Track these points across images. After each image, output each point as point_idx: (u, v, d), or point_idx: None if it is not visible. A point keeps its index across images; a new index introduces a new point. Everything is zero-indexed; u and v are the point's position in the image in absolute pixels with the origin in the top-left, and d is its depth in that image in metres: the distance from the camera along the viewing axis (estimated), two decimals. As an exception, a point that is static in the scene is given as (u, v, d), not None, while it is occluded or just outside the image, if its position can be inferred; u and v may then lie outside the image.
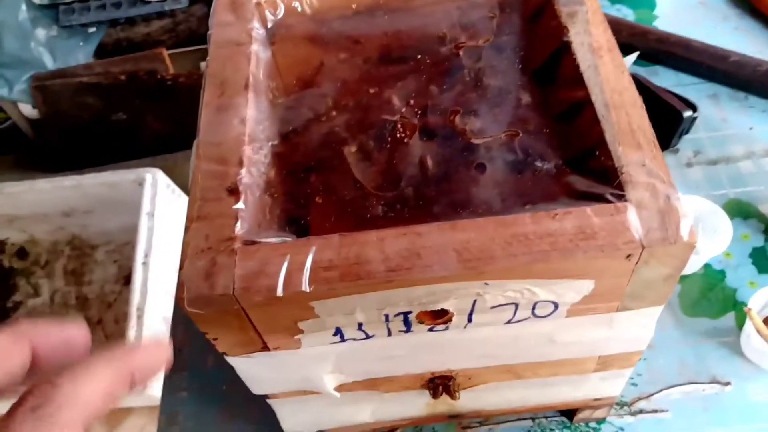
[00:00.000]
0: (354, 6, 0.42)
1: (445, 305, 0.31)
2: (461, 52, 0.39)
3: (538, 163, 0.33)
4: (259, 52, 0.39)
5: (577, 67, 0.34)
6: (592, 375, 0.40)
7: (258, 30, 0.40)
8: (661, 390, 0.49)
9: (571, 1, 0.37)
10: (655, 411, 0.49)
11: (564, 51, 0.36)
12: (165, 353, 0.26)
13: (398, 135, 0.36)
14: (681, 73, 0.69)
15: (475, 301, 0.31)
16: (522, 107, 0.36)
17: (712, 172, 0.61)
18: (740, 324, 0.52)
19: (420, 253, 0.29)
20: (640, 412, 0.49)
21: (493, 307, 0.31)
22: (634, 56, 0.68)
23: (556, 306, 0.32)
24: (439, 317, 0.32)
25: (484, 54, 0.39)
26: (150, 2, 1.62)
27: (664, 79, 0.68)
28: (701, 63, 0.67)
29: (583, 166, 0.32)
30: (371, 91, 0.39)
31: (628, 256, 0.28)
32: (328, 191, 0.36)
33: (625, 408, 0.49)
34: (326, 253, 0.29)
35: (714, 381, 0.50)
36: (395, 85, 0.39)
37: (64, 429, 0.20)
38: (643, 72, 0.69)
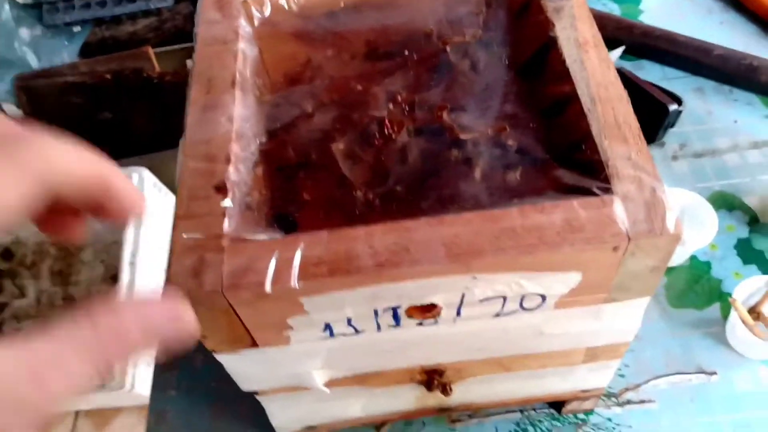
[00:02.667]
0: (341, 2, 0.42)
1: (434, 299, 0.31)
2: (448, 48, 0.39)
3: (526, 158, 0.33)
4: (245, 49, 0.39)
5: (564, 61, 0.35)
6: (581, 366, 0.41)
7: (245, 27, 0.40)
8: (648, 381, 0.50)
9: (557, -5, 0.38)
10: (642, 401, 0.49)
11: (550, 46, 0.36)
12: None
13: (386, 131, 0.36)
14: (666, 66, 0.69)
15: (463, 295, 0.31)
16: (509, 102, 0.36)
17: (698, 165, 0.62)
18: (725, 315, 0.52)
19: (409, 247, 0.29)
20: (628, 402, 0.50)
21: (481, 301, 0.32)
22: (619, 50, 0.68)
23: (544, 298, 0.32)
24: (428, 311, 0.32)
25: (470, 50, 0.39)
26: (135, 1, 1.61)
27: (650, 72, 0.69)
28: (686, 57, 0.67)
29: (569, 160, 0.32)
30: (359, 87, 0.39)
31: (615, 248, 0.29)
32: (316, 188, 0.36)
33: (613, 399, 0.50)
34: (315, 249, 0.29)
35: (700, 371, 0.50)
36: (383, 81, 0.39)
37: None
38: (629, 66, 0.69)
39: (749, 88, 0.66)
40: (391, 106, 0.37)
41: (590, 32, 0.36)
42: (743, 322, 0.47)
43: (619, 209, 0.29)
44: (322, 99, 0.39)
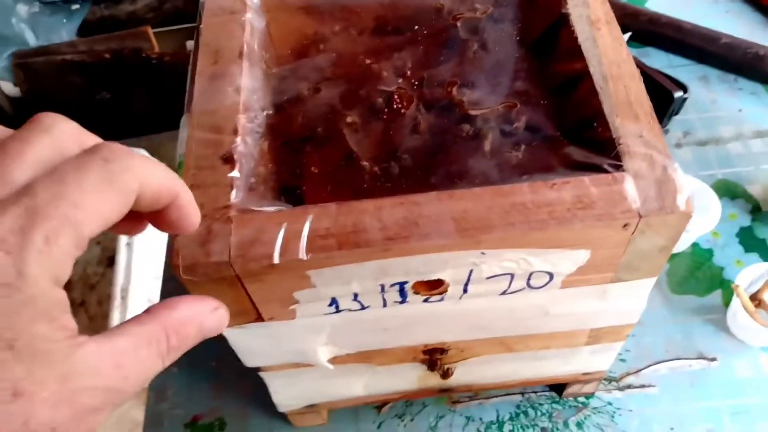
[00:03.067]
0: (350, -24, 0.42)
1: (441, 275, 0.31)
2: (459, 24, 0.39)
3: (536, 135, 0.33)
4: (253, 20, 0.39)
5: (576, 39, 0.34)
6: (583, 348, 0.41)
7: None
8: (649, 366, 0.50)
9: (569, -27, 0.37)
10: (642, 386, 0.50)
11: (562, 23, 0.35)
12: None
13: (395, 106, 0.36)
14: (672, 54, 0.69)
15: (471, 271, 0.31)
16: (520, 79, 0.35)
17: (701, 153, 0.61)
18: (726, 302, 0.52)
19: (418, 221, 0.29)
20: (629, 387, 0.50)
21: (488, 278, 0.31)
22: (625, 37, 0.68)
23: (551, 276, 0.32)
24: (435, 287, 0.32)
25: (481, 26, 0.38)
26: (135, -21, 1.59)
27: (655, 60, 0.69)
28: (692, 45, 0.67)
29: (580, 138, 0.32)
30: (367, 62, 0.38)
31: (625, 225, 0.28)
32: (323, 162, 0.36)
33: (614, 383, 0.50)
34: (323, 222, 0.29)
35: (700, 357, 0.50)
36: (392, 56, 0.38)
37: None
38: (635, 53, 0.69)
39: (754, 77, 0.65)
40: (400, 81, 0.37)
41: (602, 9, 0.36)
42: (745, 308, 0.47)
43: (630, 186, 0.29)
44: (330, 73, 0.38)
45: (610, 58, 0.33)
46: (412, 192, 0.30)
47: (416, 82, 0.37)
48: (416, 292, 0.32)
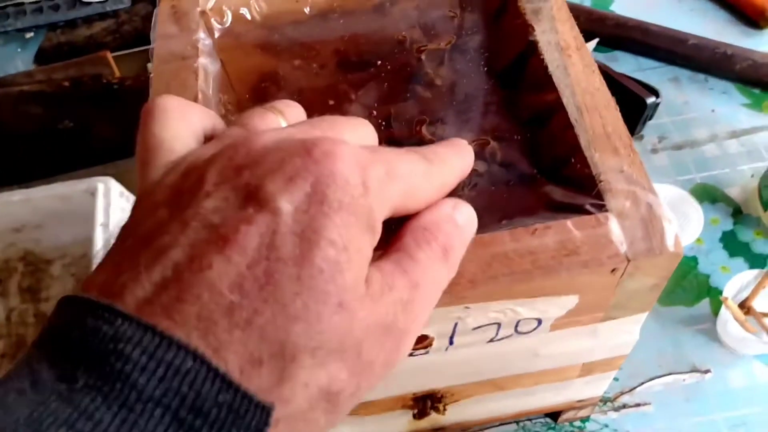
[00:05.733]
0: (307, 10, 0.40)
1: (424, 331, 0.29)
2: (423, 56, 0.37)
3: (512, 174, 0.31)
4: (206, 65, 0.37)
5: (546, 68, 0.33)
6: (576, 380, 0.39)
7: (204, 41, 0.38)
8: (643, 383, 0.49)
9: (535, -3, 0.36)
10: (638, 405, 0.48)
11: (530, 51, 0.34)
12: None
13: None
14: (641, 57, 0.68)
15: (456, 324, 0.29)
16: (490, 113, 0.34)
17: (678, 158, 0.61)
18: (715, 310, 0.52)
19: (395, 281, 0.27)
20: (624, 407, 0.49)
21: (474, 329, 0.30)
22: (593, 43, 0.67)
23: (540, 322, 0.30)
24: (419, 342, 0.30)
25: (446, 57, 0.37)
26: (90, 3, 1.55)
27: (624, 64, 0.68)
28: (660, 47, 0.66)
29: (558, 175, 0.31)
30: (330, 102, 0.36)
31: (613, 270, 0.27)
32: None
33: (609, 404, 0.49)
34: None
35: (694, 370, 0.49)
36: (356, 94, 0.37)
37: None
38: (603, 58, 0.68)
39: (724, 76, 0.65)
40: (366, 121, 0.35)
41: (571, 34, 0.34)
42: (736, 320, 0.46)
43: (615, 228, 0.27)
44: (293, 116, 0.36)
45: (582, 87, 0.32)
46: (384, 242, 0.28)
47: (383, 122, 0.35)
48: (399, 349, 0.31)
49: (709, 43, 0.64)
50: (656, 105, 0.60)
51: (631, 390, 0.49)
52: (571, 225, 0.28)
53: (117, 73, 1.58)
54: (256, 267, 0.16)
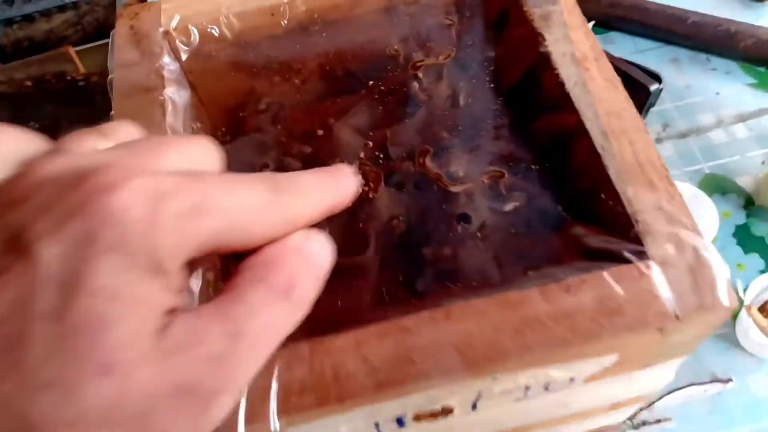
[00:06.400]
0: (284, 23, 0.35)
1: (445, 403, 0.26)
2: (420, 73, 0.33)
3: (533, 213, 0.28)
4: (174, 95, 0.32)
5: (562, 84, 0.29)
6: (602, 415, 0.36)
7: (170, 66, 0.33)
8: (662, 397, 0.46)
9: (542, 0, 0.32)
10: (658, 421, 0.46)
11: (542, 65, 0.30)
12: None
13: (360, 188, 0.30)
14: (638, 38, 0.64)
15: (480, 392, 0.26)
16: (502, 139, 0.30)
17: (684, 146, 0.57)
18: (734, 314, 0.49)
19: (412, 356, 0.23)
20: (644, 424, 0.46)
21: (501, 393, 0.26)
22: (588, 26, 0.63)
23: (573, 380, 0.27)
24: (440, 413, 0.27)
25: (446, 72, 0.33)
26: (45, -5, 1.46)
27: (621, 47, 0.64)
28: (659, 27, 0.62)
29: (587, 213, 0.27)
30: (319, 132, 0.32)
31: (660, 329, 0.24)
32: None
33: (627, 422, 0.46)
34: (296, 370, 0.23)
35: (715, 379, 0.47)
36: (347, 121, 0.32)
37: None
38: (598, 41, 0.64)
39: (727, 55, 0.61)
40: (361, 154, 0.31)
41: (587, 43, 0.30)
42: (757, 325, 0.44)
43: (659, 279, 0.24)
44: (276, 151, 0.32)
45: (606, 106, 0.28)
46: (394, 303, 0.25)
47: (380, 155, 0.31)
48: (417, 420, 0.27)
49: (710, 20, 0.61)
50: (659, 91, 0.57)
51: (650, 405, 0.46)
52: (609, 278, 0.24)
53: (81, 69, 1.50)
54: (4, 326, 0.14)
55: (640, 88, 0.56)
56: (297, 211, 0.18)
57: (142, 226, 0.15)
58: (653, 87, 0.56)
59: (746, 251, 0.52)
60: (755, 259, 0.51)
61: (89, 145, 0.18)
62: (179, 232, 0.15)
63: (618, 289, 0.24)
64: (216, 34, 0.35)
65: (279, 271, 0.17)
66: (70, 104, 1.54)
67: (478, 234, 0.27)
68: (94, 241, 0.14)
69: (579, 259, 0.25)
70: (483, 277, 0.26)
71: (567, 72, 0.29)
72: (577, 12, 0.31)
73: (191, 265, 0.16)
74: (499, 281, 0.26)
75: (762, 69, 0.60)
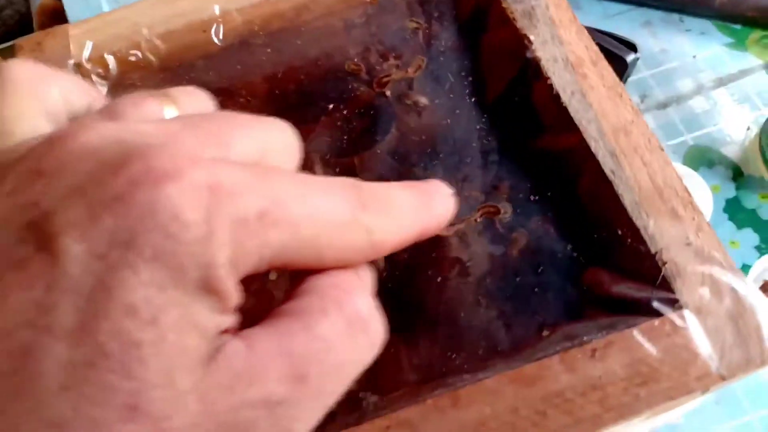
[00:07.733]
0: (217, 40, 0.30)
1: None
2: (387, 91, 0.28)
3: (539, 255, 0.24)
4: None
5: (557, 96, 0.25)
6: None
7: (88, 104, 0.27)
8: (668, 391, 0.44)
9: (522, -7, 0.27)
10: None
11: (531, 73, 0.26)
12: None
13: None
14: (607, 1, 0.60)
15: (497, 472, 0.22)
16: (492, 166, 0.26)
17: (665, 117, 0.54)
18: (733, 295, 0.47)
19: (420, 459, 0.19)
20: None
21: (520, 467, 0.23)
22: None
23: None
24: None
25: (418, 87, 0.28)
26: (-44, -10, 1.33)
27: (589, 12, 0.60)
28: (628, -12, 0.58)
29: (602, 253, 0.23)
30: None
31: (704, 391, 0.20)
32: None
33: (635, 422, 0.44)
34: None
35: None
36: (307, 150, 0.28)
37: None
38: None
39: (701, 14, 0.58)
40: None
41: (582, 44, 0.26)
42: None
43: (697, 333, 0.20)
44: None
45: (612, 121, 0.24)
46: (387, 383, 0.21)
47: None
48: (427, 507, 0.23)
49: (682, -22, 0.57)
50: (636, 60, 0.53)
51: (656, 401, 0.44)
52: (638, 335, 0.20)
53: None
54: (10, 339, 0.11)
55: (616, 59, 0.52)
56: (383, 236, 0.14)
57: (195, 233, 0.12)
58: (630, 57, 0.52)
59: (739, 227, 0.49)
60: (749, 234, 0.49)
61: (150, 113, 0.15)
62: (239, 244, 0.12)
63: (651, 349, 0.20)
64: (139, 61, 0.29)
65: (357, 296, 0.14)
66: None
67: (477, 285, 0.23)
68: (132, 245, 0.11)
69: (599, 312, 0.22)
70: (489, 342, 0.22)
71: (561, 81, 0.25)
72: (565, 5, 0.26)
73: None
74: (509, 347, 0.22)
75: (738, 27, 0.57)
